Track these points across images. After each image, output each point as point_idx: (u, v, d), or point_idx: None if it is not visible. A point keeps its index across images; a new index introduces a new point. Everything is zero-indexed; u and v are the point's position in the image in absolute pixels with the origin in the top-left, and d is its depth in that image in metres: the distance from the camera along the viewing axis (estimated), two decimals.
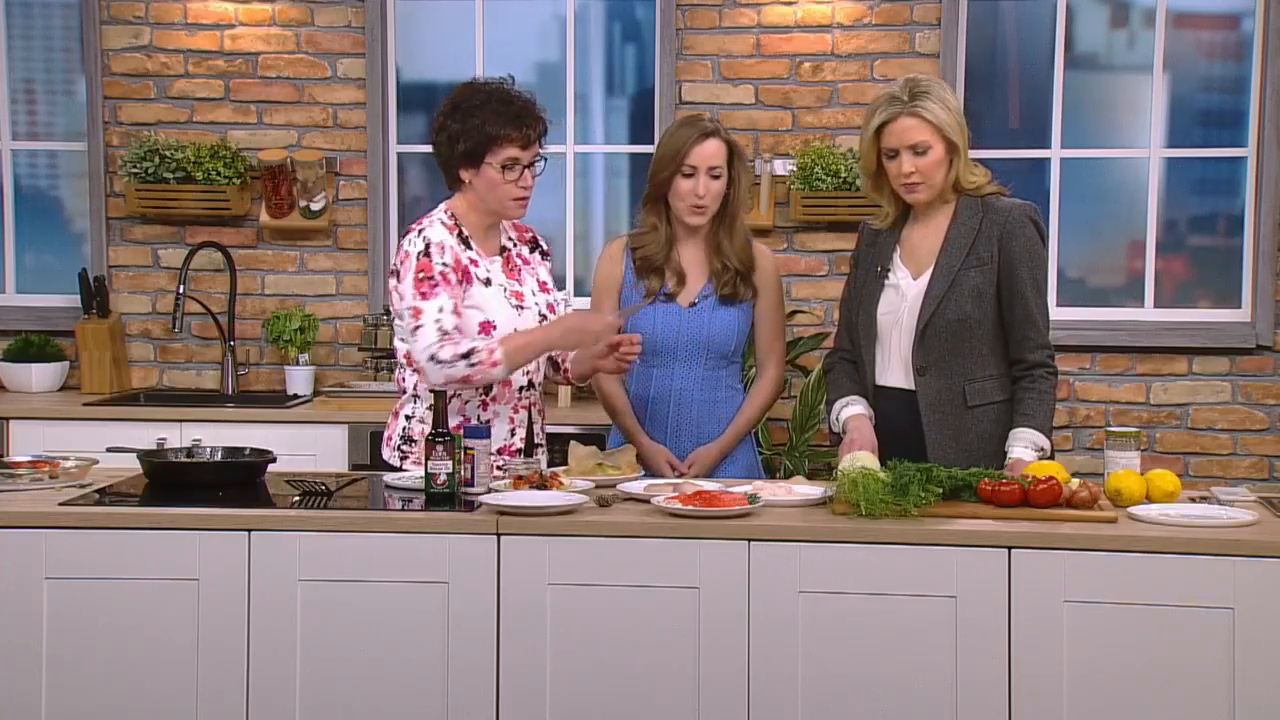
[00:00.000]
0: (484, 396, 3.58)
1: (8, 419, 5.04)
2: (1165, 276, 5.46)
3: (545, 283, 3.72)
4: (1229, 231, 5.44)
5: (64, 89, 5.77)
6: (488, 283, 3.58)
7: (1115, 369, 5.38)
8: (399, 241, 3.64)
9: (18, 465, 3.46)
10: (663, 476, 3.65)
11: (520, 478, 3.31)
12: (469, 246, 3.59)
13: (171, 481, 3.47)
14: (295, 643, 3.08)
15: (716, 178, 3.69)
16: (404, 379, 3.64)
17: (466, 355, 3.42)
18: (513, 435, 3.62)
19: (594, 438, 3.91)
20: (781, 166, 5.34)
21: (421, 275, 3.49)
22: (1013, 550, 2.98)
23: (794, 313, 5.27)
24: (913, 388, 3.51)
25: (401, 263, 3.54)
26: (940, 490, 3.10)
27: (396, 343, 3.60)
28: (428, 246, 3.51)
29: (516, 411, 3.64)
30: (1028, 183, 5.37)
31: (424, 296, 3.47)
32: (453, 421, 3.52)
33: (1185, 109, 5.45)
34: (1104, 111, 5.51)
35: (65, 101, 5.76)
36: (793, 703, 3.01)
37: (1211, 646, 2.91)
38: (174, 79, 5.55)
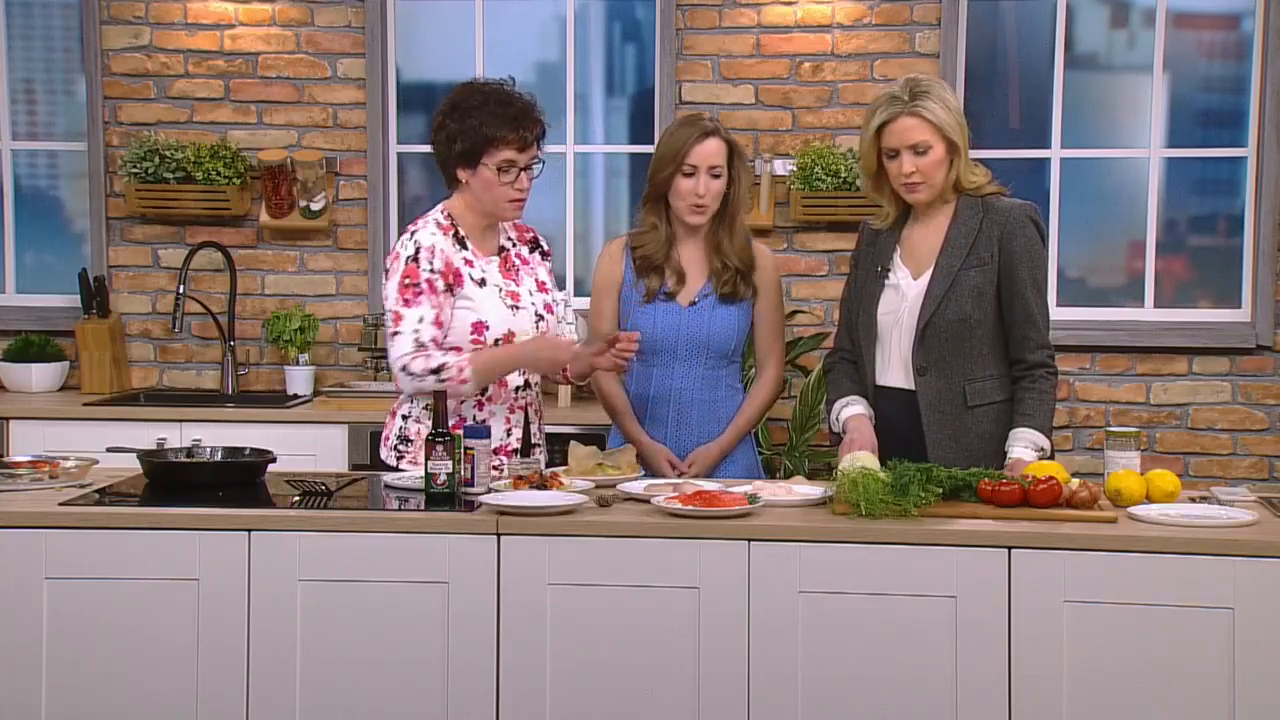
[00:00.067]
0: (480, 397, 3.59)
1: (8, 419, 5.04)
2: (1165, 276, 5.46)
3: (544, 283, 3.72)
4: (1229, 231, 5.44)
5: (64, 89, 5.77)
6: (482, 283, 3.58)
7: (1115, 369, 5.38)
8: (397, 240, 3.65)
9: (18, 465, 3.46)
10: (663, 475, 3.65)
11: (520, 478, 3.31)
12: (464, 246, 3.59)
13: (171, 481, 3.47)
14: (295, 643, 3.08)
15: (717, 177, 3.69)
16: None
17: (436, 371, 3.47)
18: (509, 435, 3.62)
19: (594, 438, 3.91)
20: (781, 166, 5.34)
21: (407, 281, 3.52)
22: (1013, 550, 2.98)
23: (794, 313, 5.27)
24: (913, 388, 3.51)
25: (391, 263, 3.57)
26: (940, 490, 3.10)
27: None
28: (417, 251, 3.53)
29: (513, 412, 3.64)
30: (1028, 183, 5.37)
31: (406, 303, 3.51)
32: (454, 423, 3.52)
33: (1185, 109, 5.45)
34: (1104, 111, 5.51)
35: (65, 101, 5.76)
36: (793, 703, 3.01)
37: (1211, 646, 2.91)
38: (174, 79, 5.55)
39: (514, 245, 3.72)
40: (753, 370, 3.92)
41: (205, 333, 5.61)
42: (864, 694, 3.00)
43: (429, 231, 3.57)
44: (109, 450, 3.78)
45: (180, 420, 4.98)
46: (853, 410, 3.57)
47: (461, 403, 3.56)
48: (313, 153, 5.47)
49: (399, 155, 5.59)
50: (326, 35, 5.52)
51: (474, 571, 3.06)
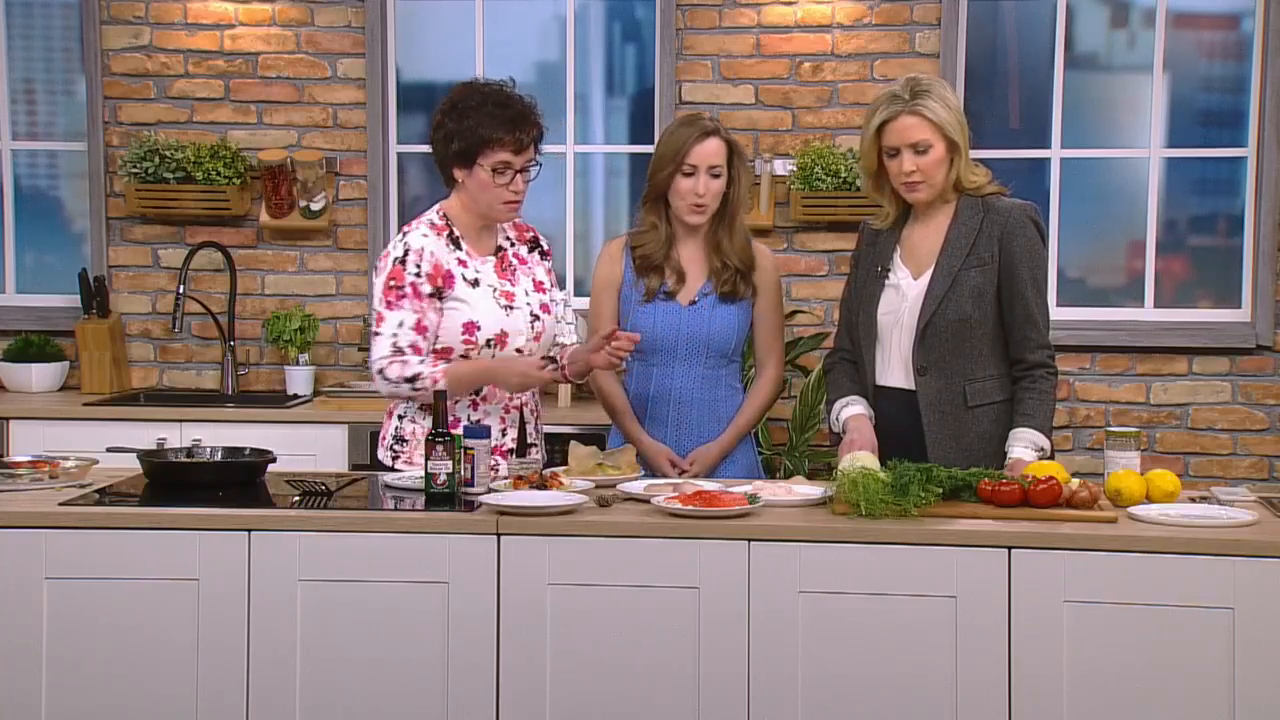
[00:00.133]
0: (474, 396, 3.59)
1: (8, 419, 5.04)
2: (1165, 276, 5.46)
3: (541, 282, 3.72)
4: (1229, 231, 5.44)
5: (64, 89, 5.77)
6: (475, 283, 3.59)
7: (1115, 369, 5.38)
8: None
9: (18, 465, 3.46)
10: (664, 475, 3.65)
11: (520, 478, 3.31)
12: (459, 247, 3.60)
13: (171, 481, 3.47)
14: (295, 643, 3.08)
15: (716, 177, 3.69)
16: None
17: (411, 380, 3.51)
18: (504, 435, 3.62)
19: (594, 438, 3.91)
20: (781, 166, 5.34)
21: (392, 283, 3.54)
22: (1013, 550, 2.98)
23: (794, 313, 5.27)
24: (913, 388, 3.51)
25: (381, 262, 3.60)
26: (940, 490, 3.10)
27: None
28: (405, 253, 3.55)
29: (508, 412, 3.64)
30: (1028, 183, 5.37)
31: (389, 305, 3.54)
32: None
33: (1185, 109, 5.45)
34: (1104, 111, 5.51)
35: (65, 101, 5.76)
36: (793, 703, 3.01)
37: (1211, 646, 2.91)
38: (174, 79, 5.55)
39: (512, 245, 3.72)
40: (753, 370, 3.92)
41: (205, 333, 5.61)
42: (864, 694, 3.00)
43: (420, 233, 3.59)
44: (109, 450, 3.78)
45: (180, 420, 4.98)
46: (853, 410, 3.57)
47: (456, 402, 3.56)
48: (313, 153, 5.47)
49: (399, 155, 5.59)
50: (326, 35, 5.52)
51: (474, 571, 3.06)
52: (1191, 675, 2.92)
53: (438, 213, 3.65)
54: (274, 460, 3.55)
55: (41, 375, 5.45)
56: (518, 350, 3.61)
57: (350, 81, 5.52)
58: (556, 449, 4.40)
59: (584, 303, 4.35)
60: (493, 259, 3.66)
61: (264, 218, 5.50)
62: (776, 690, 3.01)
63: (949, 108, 3.45)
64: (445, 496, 3.20)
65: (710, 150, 3.67)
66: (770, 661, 3.01)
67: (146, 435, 4.76)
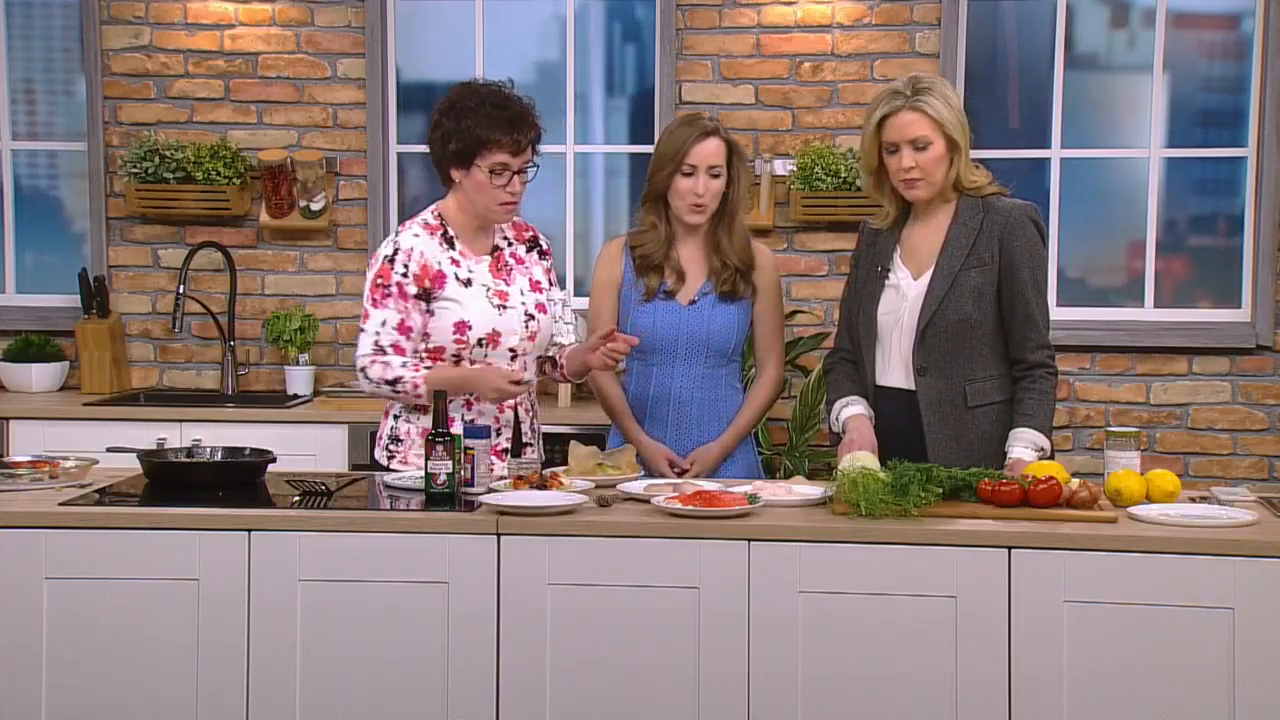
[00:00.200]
0: (469, 396, 3.59)
1: (8, 419, 5.04)
2: (1165, 276, 5.46)
3: (539, 282, 3.72)
4: (1229, 231, 5.44)
5: (64, 89, 5.77)
6: (468, 283, 3.59)
7: (1115, 369, 5.38)
8: None
9: (18, 465, 3.46)
10: (662, 475, 3.65)
11: (520, 478, 3.31)
12: (452, 246, 3.61)
13: (171, 481, 3.47)
14: (295, 643, 3.08)
15: (716, 177, 3.69)
16: None
17: (392, 383, 3.55)
18: (498, 435, 3.62)
19: (594, 438, 3.91)
20: (781, 166, 5.34)
21: (379, 281, 3.57)
22: (1013, 550, 2.98)
23: (794, 313, 5.27)
24: (913, 388, 3.51)
25: (373, 259, 3.62)
26: (940, 490, 3.10)
27: None
28: (395, 252, 3.58)
29: (502, 411, 3.64)
30: (1028, 183, 5.37)
31: (374, 303, 3.58)
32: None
33: (1185, 109, 5.45)
34: (1104, 111, 5.51)
35: (65, 101, 5.76)
36: (793, 703, 3.01)
37: (1211, 646, 2.91)
38: (174, 79, 5.55)
39: (510, 244, 3.72)
40: (753, 370, 3.92)
41: (205, 333, 5.61)
42: (864, 694, 3.00)
43: (411, 233, 3.60)
44: (109, 450, 3.78)
45: (180, 420, 4.98)
46: (853, 410, 3.57)
47: (450, 401, 3.57)
48: (313, 153, 5.47)
49: (399, 155, 5.59)
50: (326, 35, 5.52)
51: (474, 571, 3.06)
52: (1191, 675, 2.92)
53: (433, 213, 3.66)
54: (274, 460, 3.55)
55: (41, 375, 5.45)
56: (511, 350, 3.61)
57: (350, 81, 5.53)
58: (556, 449, 4.40)
59: (584, 302, 4.35)
60: (488, 258, 3.67)
61: (264, 218, 5.50)
62: (776, 690, 3.01)
63: (950, 106, 3.45)
64: (445, 496, 3.21)
65: (710, 150, 3.67)
66: (770, 661, 3.01)
67: (146, 435, 4.76)
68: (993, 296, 3.47)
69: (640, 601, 3.04)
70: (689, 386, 3.77)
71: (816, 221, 5.36)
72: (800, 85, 5.38)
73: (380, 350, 3.55)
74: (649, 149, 3.83)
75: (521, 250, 3.74)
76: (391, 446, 3.67)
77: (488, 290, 3.62)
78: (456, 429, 3.32)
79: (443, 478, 3.20)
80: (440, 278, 3.57)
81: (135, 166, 5.39)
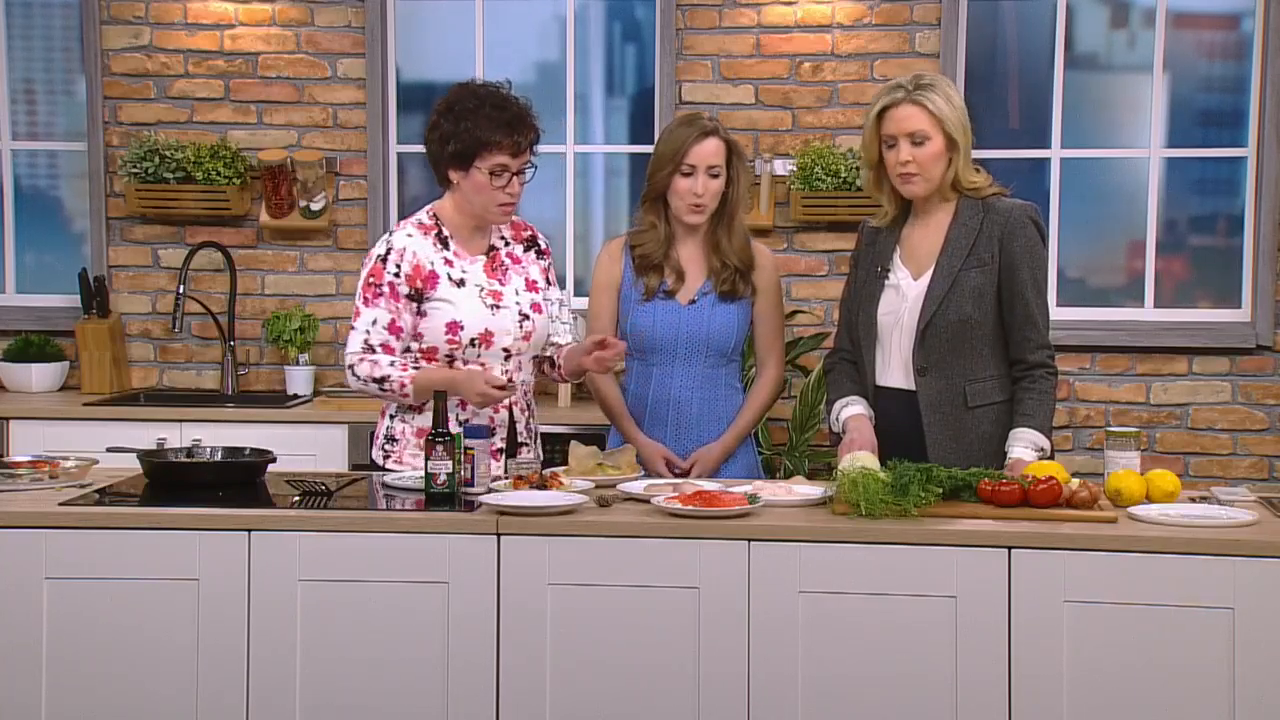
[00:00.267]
0: (459, 398, 3.59)
1: (8, 419, 5.04)
2: (1165, 276, 5.46)
3: (535, 282, 3.72)
4: (1229, 231, 5.44)
5: (64, 89, 5.77)
6: (461, 283, 3.59)
7: (1115, 369, 5.38)
8: None
9: (18, 465, 3.46)
10: (659, 474, 3.65)
11: (520, 478, 3.31)
12: (446, 246, 3.61)
13: (171, 481, 3.47)
14: (295, 643, 3.08)
15: (715, 177, 3.69)
16: None
17: (380, 381, 3.56)
18: (493, 435, 3.62)
19: (594, 438, 3.91)
20: (781, 166, 5.34)
21: (371, 280, 3.59)
22: (1013, 550, 2.97)
23: (794, 313, 5.27)
24: (913, 388, 3.51)
25: (367, 258, 3.63)
26: (940, 490, 3.10)
27: None
28: (388, 252, 3.59)
29: (496, 411, 3.64)
30: (1028, 183, 5.37)
31: (365, 302, 3.59)
32: (430, 420, 3.55)
33: (1185, 109, 5.45)
34: (1104, 111, 5.51)
35: (65, 101, 5.76)
36: (793, 703, 3.01)
37: (1211, 646, 2.91)
38: (174, 79, 5.55)
39: (507, 244, 3.72)
40: (753, 370, 3.92)
41: (205, 333, 5.61)
42: (864, 694, 3.00)
43: (405, 233, 3.61)
44: (109, 450, 3.78)
45: (180, 420, 4.98)
46: (853, 410, 3.57)
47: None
48: (313, 153, 5.47)
49: (399, 155, 5.59)
50: (326, 35, 5.52)
51: (474, 571, 3.06)
52: (1191, 675, 2.92)
53: (427, 213, 3.67)
54: (274, 460, 3.55)
55: (41, 375, 5.45)
56: (504, 350, 3.61)
57: (350, 81, 5.53)
58: (556, 449, 4.40)
59: (584, 302, 4.35)
60: (483, 259, 3.67)
61: (264, 218, 5.50)
62: (776, 690, 3.01)
63: (953, 105, 3.45)
64: (445, 496, 3.21)
65: (709, 150, 3.67)
66: (770, 661, 3.01)
67: (146, 435, 4.76)
68: (993, 297, 3.47)
69: (640, 601, 3.04)
70: (688, 386, 3.77)
71: (816, 221, 5.36)
72: (800, 85, 5.38)
73: (369, 349, 3.56)
74: (649, 149, 3.83)
75: (519, 250, 3.74)
76: (387, 446, 3.68)
77: (481, 290, 3.62)
78: (453, 429, 3.32)
79: (443, 478, 3.20)
80: (432, 278, 3.58)
81: (135, 166, 5.39)
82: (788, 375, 4.72)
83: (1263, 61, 5.27)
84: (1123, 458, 3.28)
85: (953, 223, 3.51)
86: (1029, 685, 2.96)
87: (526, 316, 3.65)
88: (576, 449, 3.55)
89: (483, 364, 3.59)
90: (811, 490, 3.30)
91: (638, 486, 3.32)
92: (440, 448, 3.21)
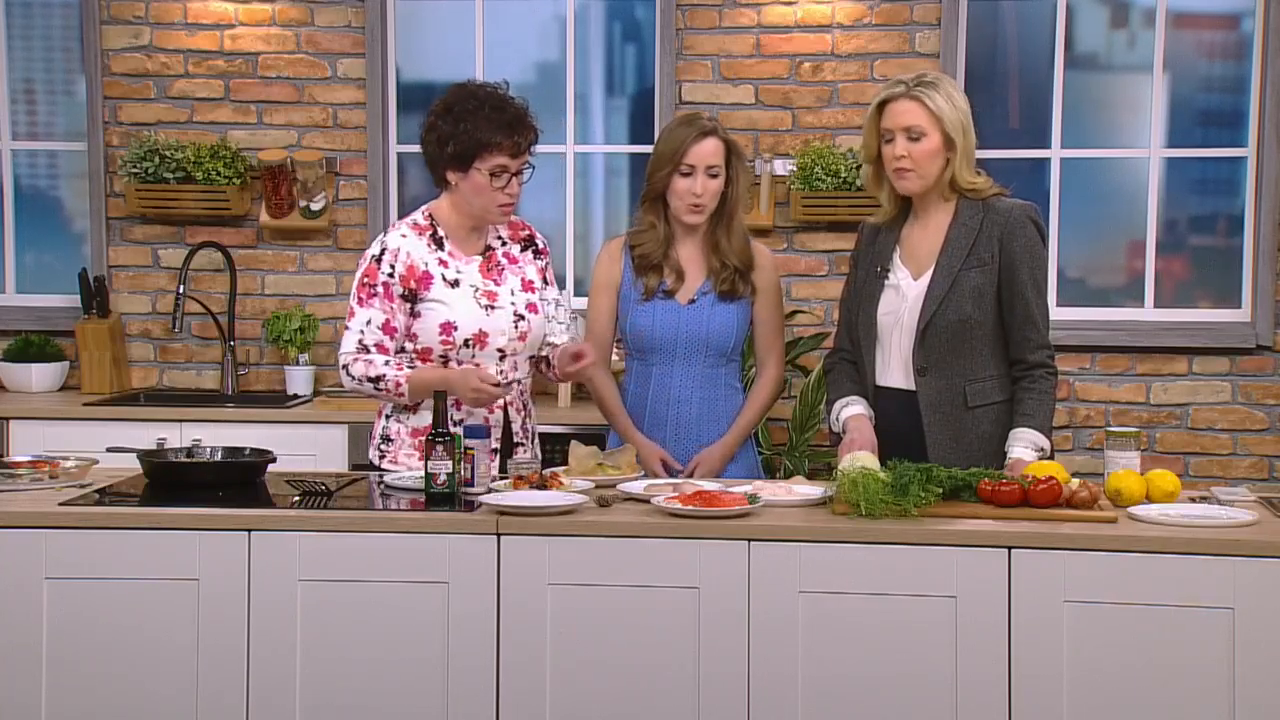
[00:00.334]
0: (454, 397, 3.58)
1: (8, 419, 5.04)
2: (1165, 276, 5.46)
3: (531, 281, 3.72)
4: (1229, 231, 5.44)
5: (64, 89, 5.77)
6: (455, 284, 3.59)
7: (1115, 369, 5.38)
8: None
9: (18, 465, 3.46)
10: (656, 476, 3.64)
11: (520, 478, 3.31)
12: (441, 247, 3.61)
13: (171, 481, 3.47)
14: (295, 643, 3.08)
15: (714, 177, 3.69)
16: None
17: (375, 380, 3.55)
18: (487, 435, 3.62)
19: (594, 438, 3.91)
20: (781, 166, 5.34)
21: (365, 280, 3.59)
22: (1013, 550, 2.98)
23: (794, 313, 5.27)
24: (913, 388, 3.51)
25: (361, 259, 3.63)
26: (940, 490, 3.10)
27: None
28: (382, 252, 3.60)
29: (491, 412, 3.64)
30: (1028, 183, 5.37)
31: (360, 302, 3.59)
32: (428, 419, 3.55)
33: (1185, 109, 5.45)
34: (1104, 111, 5.51)
35: (65, 101, 5.76)
36: (793, 703, 3.01)
37: (1211, 646, 2.91)
38: (174, 79, 5.55)
39: (504, 244, 3.72)
40: (753, 370, 3.92)
41: (205, 333, 5.61)
42: (864, 694, 3.00)
43: (399, 234, 3.62)
44: (109, 450, 3.78)
45: (180, 420, 4.98)
46: (853, 410, 3.57)
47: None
48: (313, 153, 5.47)
49: (399, 155, 5.59)
50: (326, 35, 5.52)
51: (474, 571, 3.06)
52: (1191, 675, 2.92)
53: (423, 213, 3.67)
54: (274, 460, 3.55)
55: (41, 375, 5.45)
56: (499, 350, 3.61)
57: (350, 81, 5.53)
58: (556, 449, 4.40)
59: (584, 302, 4.35)
60: (479, 259, 3.67)
61: (264, 218, 5.50)
62: (776, 690, 3.01)
63: (954, 106, 3.45)
64: (445, 496, 3.21)
65: (708, 150, 3.67)
66: (770, 661, 3.01)
67: (146, 435, 4.76)
68: (992, 296, 3.47)
69: (640, 601, 3.04)
70: (688, 386, 3.77)
71: (816, 221, 5.36)
72: (800, 85, 5.38)
73: (364, 349, 3.56)
74: (649, 149, 3.83)
75: (516, 250, 3.74)
76: (383, 446, 3.68)
77: (476, 291, 3.62)
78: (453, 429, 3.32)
79: (443, 478, 3.21)
80: (426, 279, 3.58)
81: (135, 166, 5.39)
82: (788, 375, 4.72)
83: (1263, 61, 5.27)
84: (1123, 458, 3.28)
85: (953, 223, 3.51)
86: (1029, 685, 2.96)
87: (522, 317, 3.65)
88: (576, 449, 3.56)
89: (477, 364, 3.59)
90: (811, 490, 3.30)
91: (638, 486, 3.32)
92: (440, 448, 3.21)
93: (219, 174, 5.39)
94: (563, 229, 5.55)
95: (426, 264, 3.59)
